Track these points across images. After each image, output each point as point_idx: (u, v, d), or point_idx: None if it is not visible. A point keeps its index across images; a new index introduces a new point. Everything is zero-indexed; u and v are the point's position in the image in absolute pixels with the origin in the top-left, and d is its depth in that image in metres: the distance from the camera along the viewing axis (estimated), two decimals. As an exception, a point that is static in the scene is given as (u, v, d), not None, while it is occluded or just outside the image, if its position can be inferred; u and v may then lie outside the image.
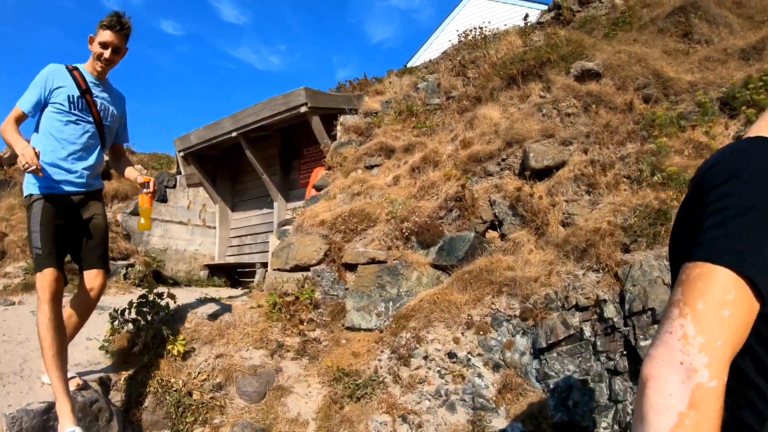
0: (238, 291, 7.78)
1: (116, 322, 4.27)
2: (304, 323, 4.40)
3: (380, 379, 4.13)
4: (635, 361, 3.52)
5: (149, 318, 4.22)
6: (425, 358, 4.28)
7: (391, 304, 4.95)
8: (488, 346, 4.18)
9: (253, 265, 9.71)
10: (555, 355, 3.83)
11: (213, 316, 4.55)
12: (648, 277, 3.56)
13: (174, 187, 10.15)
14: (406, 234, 5.27)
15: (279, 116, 8.43)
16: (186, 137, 9.95)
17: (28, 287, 6.11)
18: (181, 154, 10.16)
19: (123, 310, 4.30)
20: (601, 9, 6.43)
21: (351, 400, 3.99)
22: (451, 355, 4.24)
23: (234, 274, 10.42)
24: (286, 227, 6.56)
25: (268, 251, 9.35)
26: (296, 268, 5.54)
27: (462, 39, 8.57)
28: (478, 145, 5.80)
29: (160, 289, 4.47)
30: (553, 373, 3.79)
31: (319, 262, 5.38)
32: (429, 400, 3.96)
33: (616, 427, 3.53)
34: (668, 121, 4.23)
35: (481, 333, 4.28)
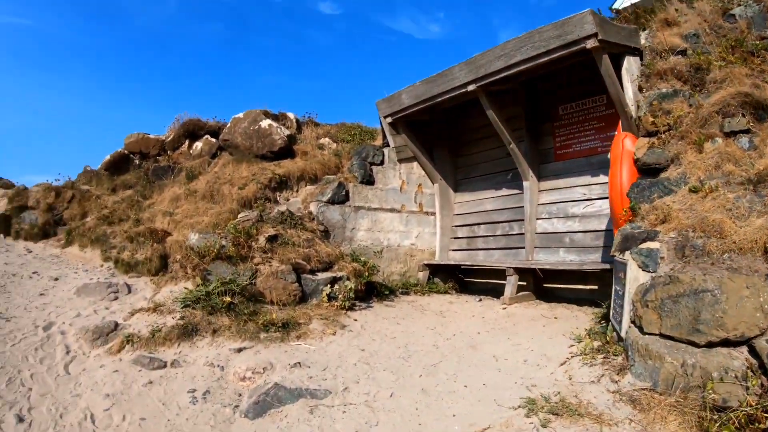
0: (497, 311, 4.57)
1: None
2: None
3: None
4: None
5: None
6: None
7: None
8: None
9: (490, 268, 6.82)
10: None
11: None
12: None
13: (381, 164, 7.67)
14: None
15: (545, 58, 5.29)
16: (395, 97, 7.33)
17: (189, 333, 3.93)
18: (388, 119, 7.59)
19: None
20: None
21: None
22: None
23: (458, 274, 7.68)
24: (650, 245, 3.43)
25: (519, 248, 6.88)
26: (725, 343, 2.35)
27: None
28: None
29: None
30: None
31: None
32: None
33: None
34: None
35: None
